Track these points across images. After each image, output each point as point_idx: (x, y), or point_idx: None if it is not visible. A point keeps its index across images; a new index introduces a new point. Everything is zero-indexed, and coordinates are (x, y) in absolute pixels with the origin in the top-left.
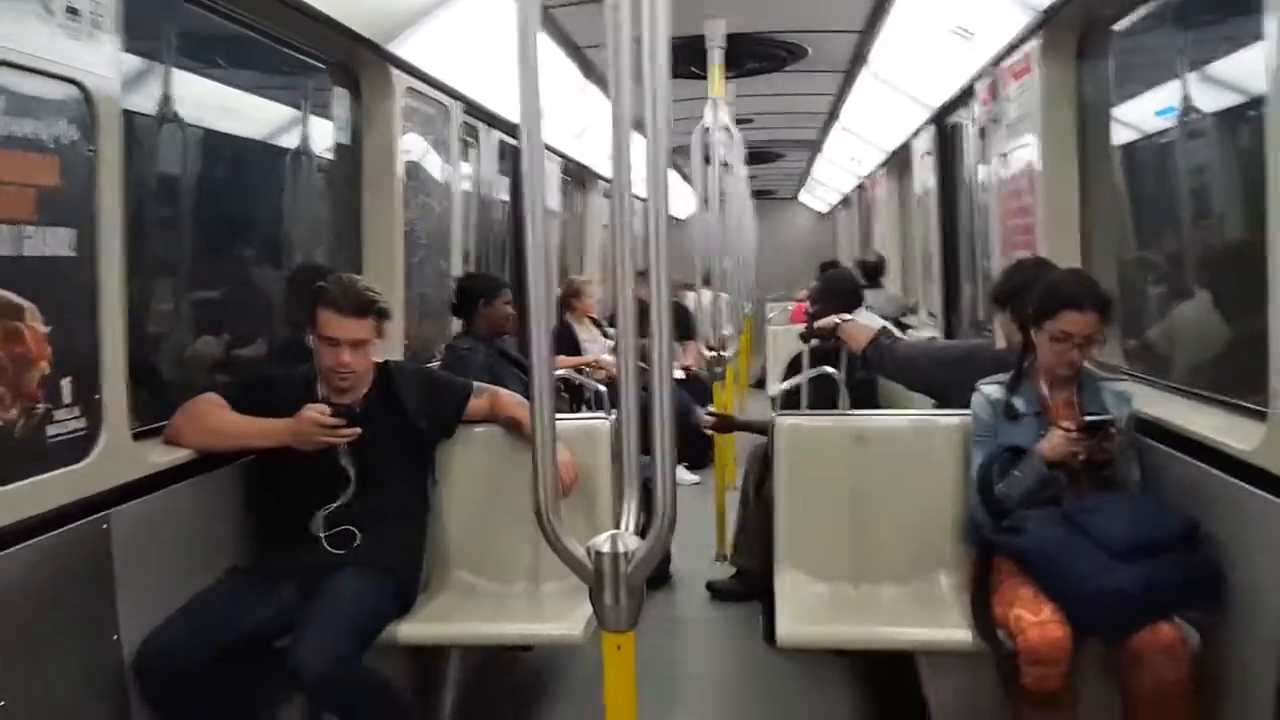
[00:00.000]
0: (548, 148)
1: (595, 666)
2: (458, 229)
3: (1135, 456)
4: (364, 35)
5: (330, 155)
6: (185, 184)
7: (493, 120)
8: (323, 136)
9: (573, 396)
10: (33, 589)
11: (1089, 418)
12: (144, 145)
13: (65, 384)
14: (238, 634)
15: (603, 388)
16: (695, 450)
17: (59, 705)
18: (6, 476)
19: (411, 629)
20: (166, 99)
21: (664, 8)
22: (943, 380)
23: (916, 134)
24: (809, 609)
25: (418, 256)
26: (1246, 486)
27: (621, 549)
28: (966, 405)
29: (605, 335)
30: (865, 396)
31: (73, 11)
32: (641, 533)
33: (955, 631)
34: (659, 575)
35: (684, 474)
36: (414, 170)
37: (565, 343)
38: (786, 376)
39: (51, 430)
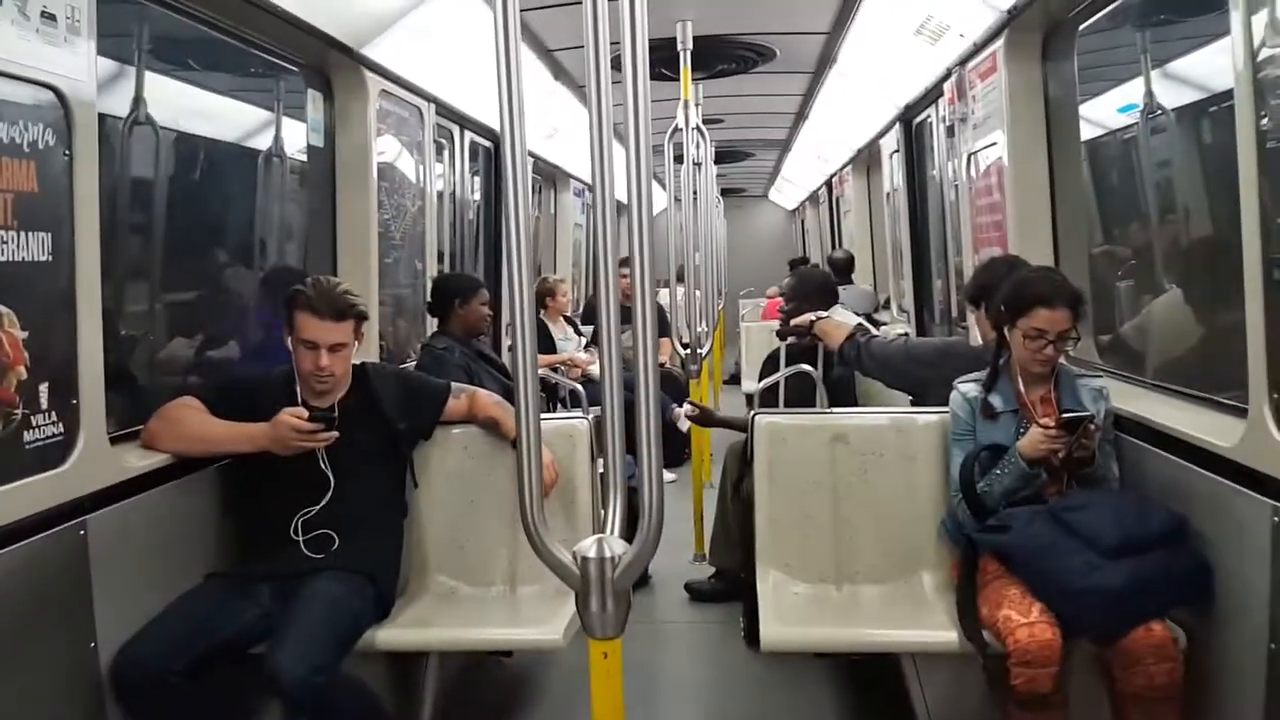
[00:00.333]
0: None
1: (576, 671)
2: (432, 229)
3: (1113, 453)
4: (337, 39)
5: (304, 157)
6: (160, 186)
7: (465, 121)
8: (296, 138)
9: (548, 395)
10: (8, 596)
11: (1067, 414)
12: (118, 148)
13: (42, 389)
14: (215, 641)
15: (579, 386)
16: (671, 448)
17: (34, 715)
18: None
19: (390, 634)
20: (140, 102)
21: (642, 12)
22: (920, 377)
23: (884, 132)
24: (792, 611)
25: (392, 257)
26: (1228, 483)
27: (608, 554)
28: (944, 402)
29: (578, 333)
30: (842, 393)
31: (49, 17)
32: (625, 536)
33: (941, 633)
34: (639, 577)
35: None
36: (388, 171)
37: (540, 342)
38: (763, 374)
39: (28, 435)
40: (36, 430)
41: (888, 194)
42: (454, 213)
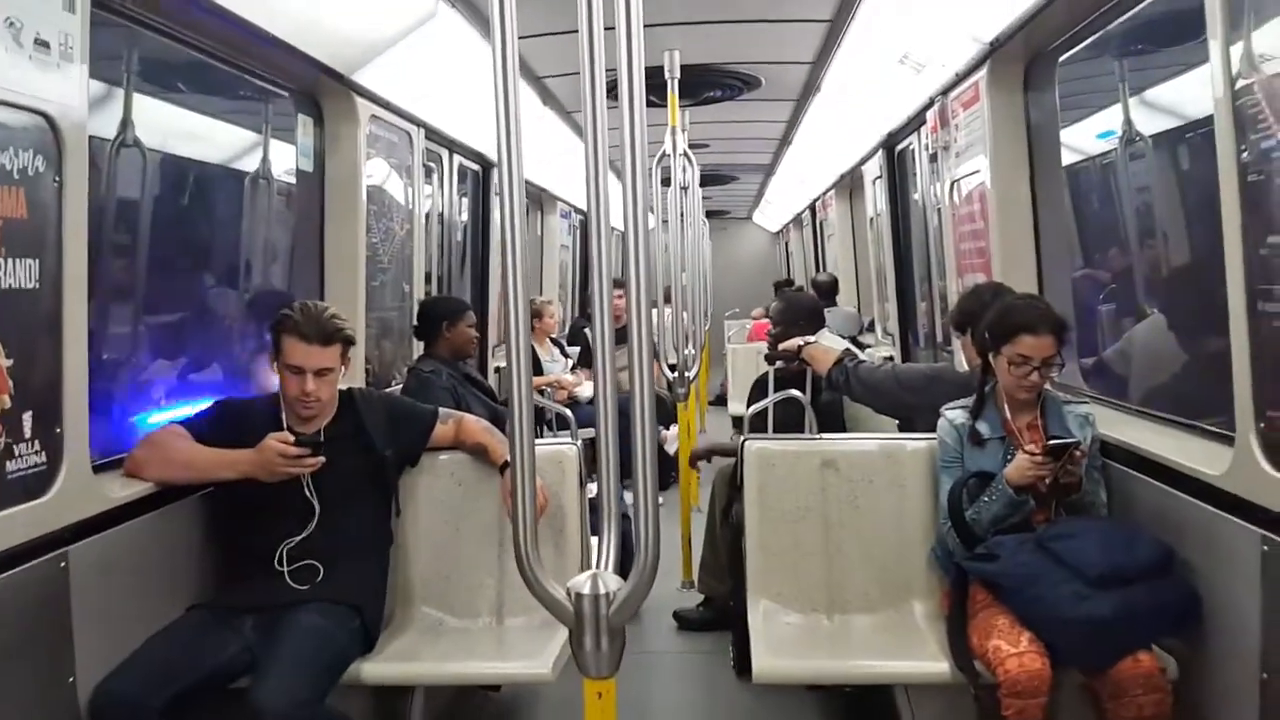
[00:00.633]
0: None
1: (565, 704)
2: (420, 252)
3: (1101, 480)
4: (328, 65)
5: (293, 180)
6: (147, 209)
7: (454, 145)
8: (286, 162)
9: (536, 419)
10: None
11: (1053, 440)
12: (106, 170)
13: (26, 417)
14: (197, 675)
15: (566, 410)
16: (658, 471)
17: None
18: None
19: (375, 668)
20: (129, 124)
21: (638, 43)
22: (908, 403)
23: (868, 158)
24: (783, 642)
25: (380, 280)
26: (1217, 511)
27: (602, 590)
28: (932, 428)
29: (564, 354)
30: (831, 418)
31: (42, 44)
32: (619, 569)
33: (933, 664)
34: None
35: None
36: (377, 195)
37: None
38: (751, 398)
39: (11, 465)
40: (19, 460)
41: (871, 218)
42: (442, 235)
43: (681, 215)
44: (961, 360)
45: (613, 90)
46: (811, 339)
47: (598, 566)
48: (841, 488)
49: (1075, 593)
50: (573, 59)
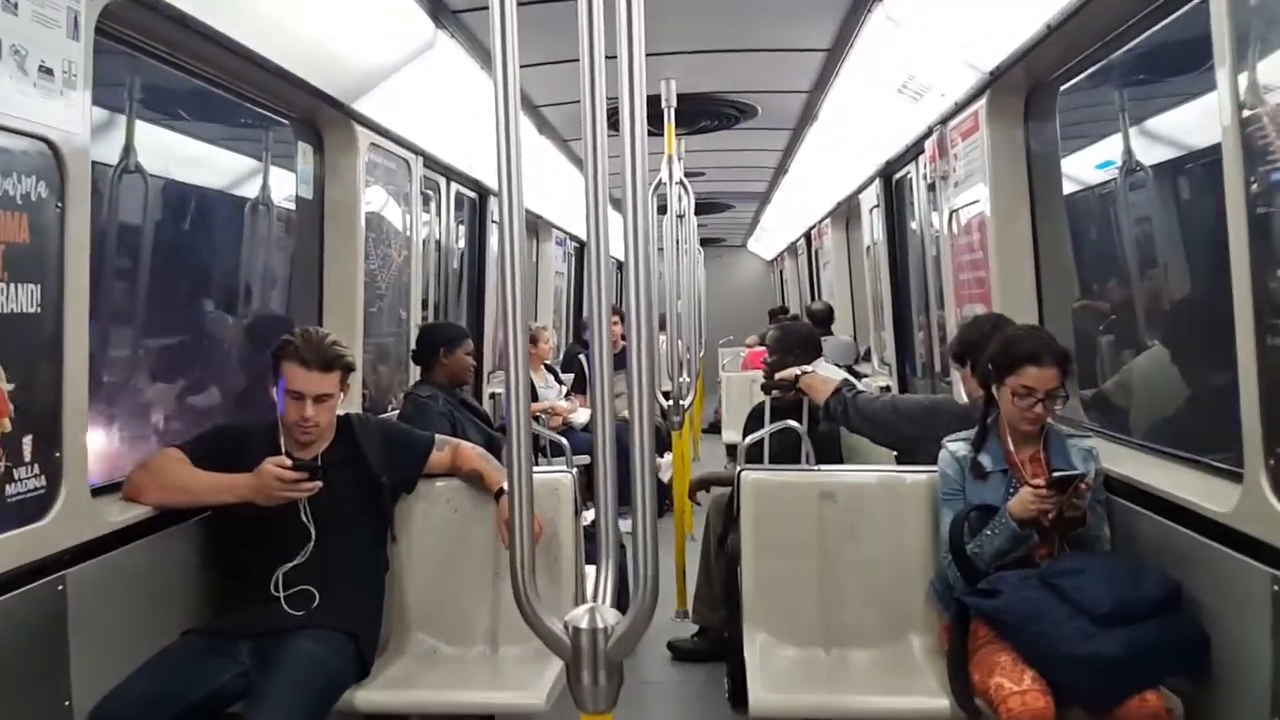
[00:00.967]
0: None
1: None
2: (417, 279)
3: (1105, 515)
4: (328, 93)
5: (292, 207)
6: (148, 235)
7: (451, 173)
8: (286, 189)
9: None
10: None
11: (1057, 473)
12: (111, 198)
13: (26, 441)
14: (193, 699)
15: (561, 438)
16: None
17: None
18: None
19: (369, 695)
20: (131, 150)
21: (639, 75)
22: (908, 435)
23: (864, 187)
24: (780, 676)
25: (378, 306)
26: (1225, 549)
27: (600, 624)
28: (931, 459)
29: (559, 381)
30: (828, 449)
31: (46, 71)
32: (616, 602)
33: (933, 700)
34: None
35: None
36: (375, 222)
37: None
38: (747, 428)
39: (10, 489)
40: (19, 483)
41: (867, 247)
42: (439, 262)
43: (677, 243)
44: (960, 392)
45: (612, 119)
46: (808, 368)
47: (594, 599)
48: (839, 520)
49: (1080, 630)
50: (569, 88)
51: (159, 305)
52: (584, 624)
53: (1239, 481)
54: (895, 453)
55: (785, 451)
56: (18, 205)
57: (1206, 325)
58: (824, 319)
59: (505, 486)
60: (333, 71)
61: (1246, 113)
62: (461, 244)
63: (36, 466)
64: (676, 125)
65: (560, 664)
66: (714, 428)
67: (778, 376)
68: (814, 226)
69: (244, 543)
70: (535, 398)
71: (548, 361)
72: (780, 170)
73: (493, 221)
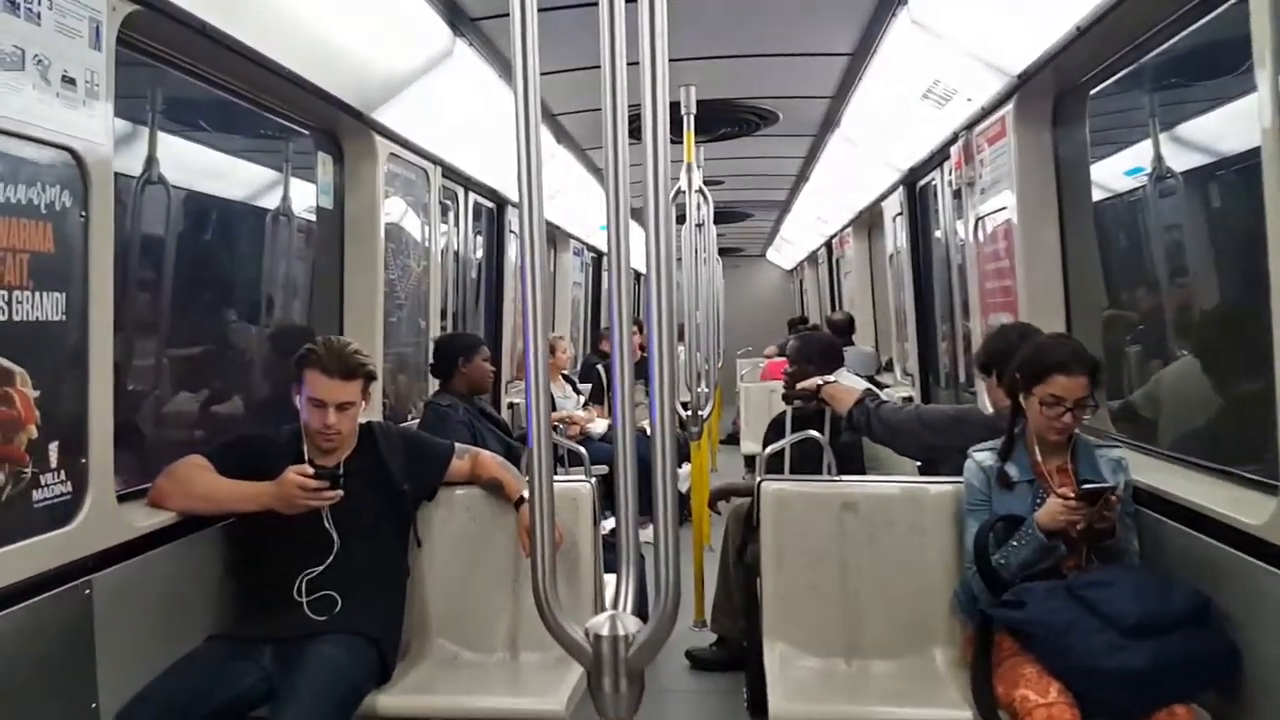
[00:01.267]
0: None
1: None
2: (436, 288)
3: (1134, 526)
4: (348, 104)
5: (313, 217)
6: (170, 245)
7: (470, 183)
8: (306, 199)
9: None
10: (11, 657)
11: (1087, 485)
12: (131, 207)
13: (52, 448)
14: (216, 704)
15: (579, 447)
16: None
17: None
18: None
19: (391, 700)
20: (153, 161)
21: (663, 84)
22: (932, 445)
23: (887, 195)
24: (800, 686)
25: (397, 315)
26: (1257, 562)
27: (621, 632)
28: (956, 470)
29: (576, 391)
30: (850, 459)
31: (69, 81)
32: (636, 611)
33: (956, 712)
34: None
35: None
36: (395, 232)
37: None
38: (767, 438)
39: (37, 494)
40: (45, 489)
41: (890, 256)
42: (457, 272)
43: (695, 253)
44: (985, 402)
45: (632, 127)
46: (830, 378)
47: (615, 607)
48: (861, 530)
49: (1108, 643)
50: (586, 96)
51: (182, 315)
52: (605, 631)
53: (1272, 494)
54: (918, 464)
55: (806, 462)
56: (42, 214)
57: (1239, 335)
58: (845, 329)
59: (525, 495)
60: (353, 81)
61: None
62: (479, 254)
63: (63, 473)
64: (696, 132)
65: (579, 671)
66: (732, 438)
67: (799, 386)
68: (835, 235)
69: (267, 549)
70: (553, 408)
71: (565, 371)
72: (801, 178)
73: (510, 231)
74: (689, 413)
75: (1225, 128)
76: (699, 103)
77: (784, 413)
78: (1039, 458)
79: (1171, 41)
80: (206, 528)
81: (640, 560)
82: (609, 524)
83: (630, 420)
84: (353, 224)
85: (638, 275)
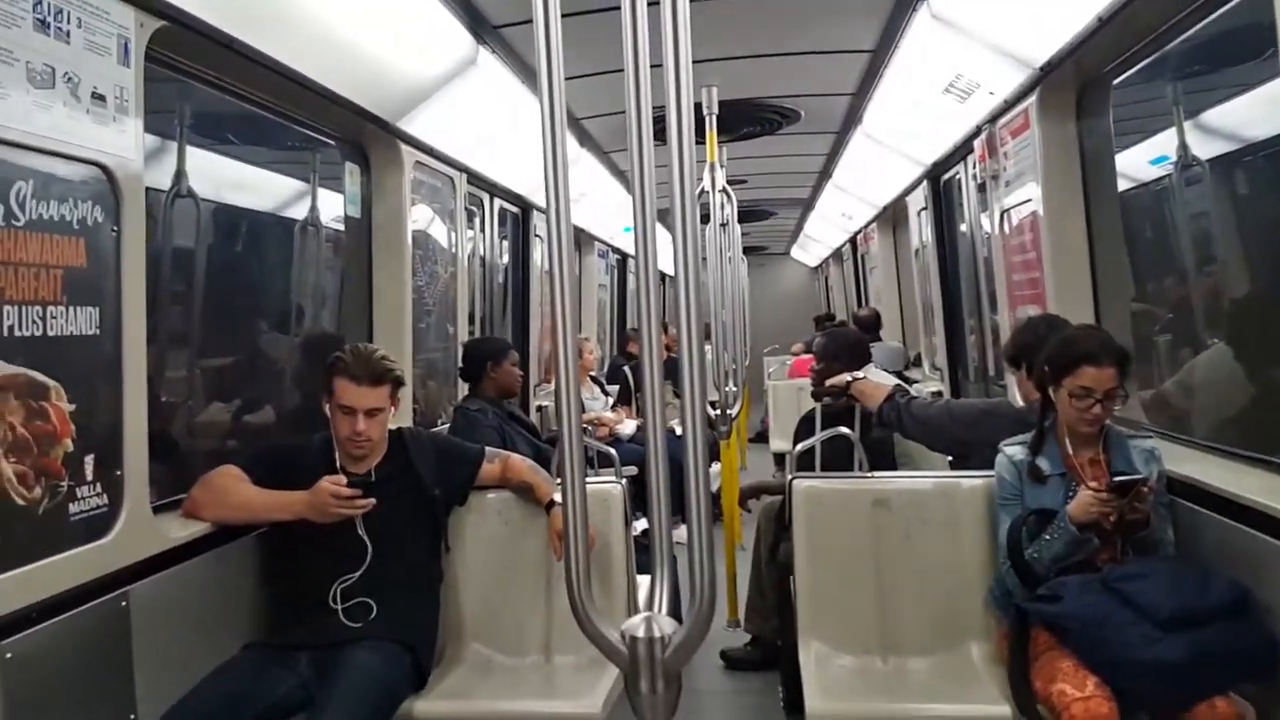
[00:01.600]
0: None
1: None
2: (464, 294)
3: (1168, 517)
4: (374, 113)
5: (340, 227)
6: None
7: (495, 189)
8: (333, 209)
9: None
10: (51, 669)
11: (1119, 477)
12: (161, 221)
13: (88, 460)
14: (253, 712)
15: (609, 448)
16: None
17: None
18: (30, 555)
19: (427, 705)
20: (182, 175)
21: (687, 87)
22: (963, 439)
23: (911, 190)
24: (836, 684)
25: (425, 322)
26: None
27: (657, 633)
28: (987, 464)
29: (604, 392)
30: (881, 455)
31: (99, 97)
32: (671, 612)
33: (994, 707)
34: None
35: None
36: (422, 239)
37: None
38: (797, 434)
39: (74, 508)
40: (82, 502)
41: (916, 250)
42: (484, 277)
43: (720, 252)
44: (1015, 395)
45: (656, 129)
46: (859, 374)
47: (650, 608)
48: (894, 527)
49: (1145, 635)
50: (609, 99)
51: (213, 326)
52: (641, 633)
53: None
54: (950, 459)
55: (836, 459)
56: (75, 230)
57: (1272, 321)
58: (871, 325)
59: (556, 498)
60: (378, 92)
61: None
62: (505, 259)
63: (99, 485)
64: (719, 132)
65: (614, 673)
66: (760, 437)
67: (828, 383)
68: (859, 231)
69: (301, 557)
70: (582, 409)
71: (593, 373)
72: (824, 175)
73: (536, 236)
74: (718, 412)
75: (1250, 114)
76: (721, 103)
77: (813, 410)
78: (1070, 450)
79: (1194, 30)
80: (241, 537)
81: (674, 561)
82: (639, 525)
83: (661, 421)
84: (380, 232)
85: (664, 276)
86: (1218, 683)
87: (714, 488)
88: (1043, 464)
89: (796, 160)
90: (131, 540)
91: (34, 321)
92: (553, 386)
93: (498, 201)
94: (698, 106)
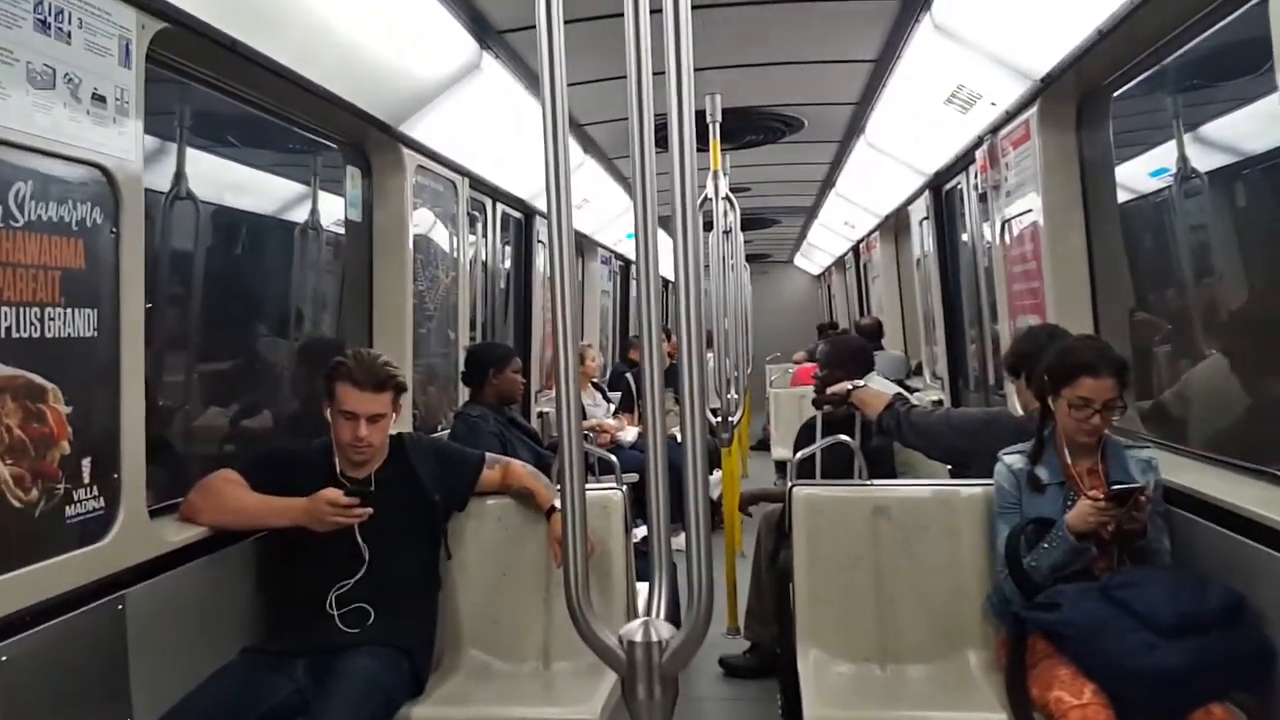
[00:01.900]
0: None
1: None
2: (465, 299)
3: (1165, 526)
4: (376, 117)
5: (341, 230)
6: (202, 260)
7: (497, 194)
8: (334, 212)
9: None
10: (47, 673)
11: (1117, 486)
12: (164, 224)
13: (85, 463)
14: (250, 717)
15: (610, 455)
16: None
17: None
18: (26, 558)
19: (425, 711)
20: (182, 177)
21: (689, 94)
22: (963, 448)
23: (913, 199)
24: (835, 692)
25: (427, 327)
26: None
27: (654, 638)
28: (986, 473)
29: (606, 399)
30: (881, 464)
31: (99, 99)
32: (669, 617)
33: (991, 715)
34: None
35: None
36: (423, 244)
37: None
38: (798, 443)
39: (70, 510)
40: (78, 505)
41: (917, 259)
42: (486, 282)
43: (723, 260)
44: (1015, 404)
45: (658, 136)
46: (860, 383)
47: (648, 613)
48: (894, 535)
49: (1143, 642)
50: (612, 106)
51: (212, 329)
52: (639, 638)
53: None
54: (949, 467)
55: (837, 467)
56: (74, 231)
57: (1269, 333)
58: (873, 333)
59: (557, 504)
60: (380, 95)
61: None
62: (507, 264)
63: (95, 488)
64: (722, 140)
65: (612, 679)
66: (762, 445)
67: (830, 391)
68: (862, 240)
69: (298, 563)
70: (583, 416)
71: (595, 380)
72: (827, 184)
73: (538, 241)
74: (719, 419)
75: (1249, 127)
76: (724, 110)
77: (814, 418)
78: (1069, 460)
79: (1193, 43)
80: (238, 541)
81: (673, 567)
82: (639, 532)
83: (661, 427)
84: (381, 236)
85: (666, 283)
86: (1214, 690)
87: (715, 495)
88: (1041, 473)
89: (800, 169)
90: (128, 544)
91: (32, 323)
92: (554, 393)
93: (500, 206)
94: (701, 114)
